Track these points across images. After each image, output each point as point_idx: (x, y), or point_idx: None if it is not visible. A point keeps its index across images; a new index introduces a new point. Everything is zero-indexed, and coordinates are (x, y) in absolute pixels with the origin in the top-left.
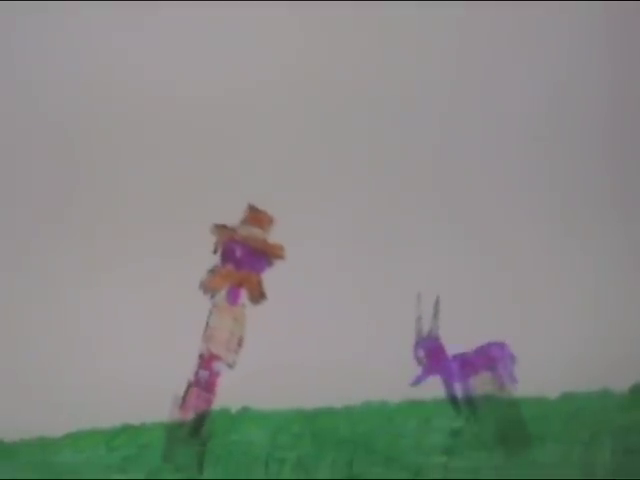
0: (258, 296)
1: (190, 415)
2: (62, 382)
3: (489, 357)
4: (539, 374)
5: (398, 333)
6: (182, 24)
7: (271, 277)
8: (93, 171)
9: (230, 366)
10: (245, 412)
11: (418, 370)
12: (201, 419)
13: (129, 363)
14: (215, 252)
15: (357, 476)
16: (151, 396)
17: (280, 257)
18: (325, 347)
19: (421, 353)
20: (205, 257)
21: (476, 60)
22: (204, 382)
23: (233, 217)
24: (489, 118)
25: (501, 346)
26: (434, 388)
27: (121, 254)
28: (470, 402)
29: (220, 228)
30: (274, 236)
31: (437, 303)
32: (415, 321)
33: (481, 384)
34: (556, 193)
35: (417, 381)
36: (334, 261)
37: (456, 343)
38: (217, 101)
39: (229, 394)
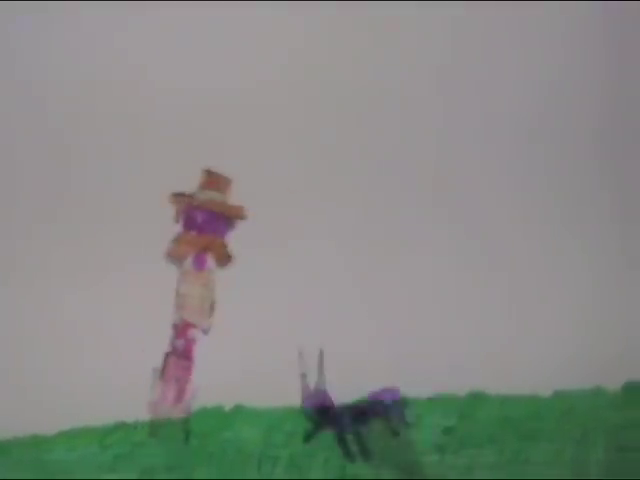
0: (224, 259)
1: (172, 384)
2: (55, 380)
3: (381, 404)
4: (532, 372)
5: (392, 331)
6: (182, 24)
7: (268, 277)
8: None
9: (205, 332)
10: (238, 410)
11: (308, 427)
12: None
13: (123, 361)
14: (177, 221)
15: (350, 474)
16: (144, 394)
17: (241, 217)
18: (319, 346)
19: (309, 409)
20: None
21: (474, 60)
22: (181, 350)
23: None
24: (487, 118)
25: (392, 392)
26: (426, 386)
27: (115, 254)
28: (364, 451)
29: (178, 196)
30: (283, 240)
31: (321, 356)
32: (300, 378)
33: (375, 431)
34: (552, 193)
35: (308, 438)
36: (332, 260)
37: (457, 336)
38: (217, 101)
39: (222, 392)
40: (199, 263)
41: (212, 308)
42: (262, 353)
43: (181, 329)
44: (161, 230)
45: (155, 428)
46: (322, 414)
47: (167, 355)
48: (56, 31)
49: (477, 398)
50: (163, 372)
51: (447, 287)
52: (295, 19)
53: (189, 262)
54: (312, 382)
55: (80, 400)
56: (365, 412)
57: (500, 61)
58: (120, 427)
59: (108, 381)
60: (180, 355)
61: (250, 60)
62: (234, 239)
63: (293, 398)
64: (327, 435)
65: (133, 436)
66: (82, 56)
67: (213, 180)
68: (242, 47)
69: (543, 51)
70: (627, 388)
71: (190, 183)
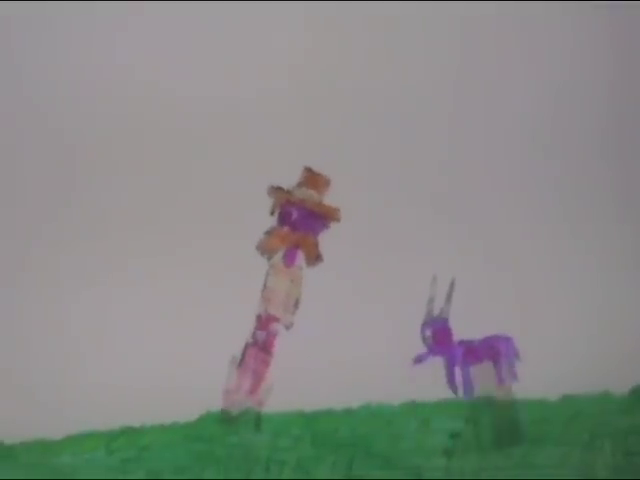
0: (314, 258)
1: (248, 375)
2: (62, 384)
3: (494, 349)
4: (540, 376)
5: (398, 335)
6: (184, 27)
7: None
8: (92, 171)
9: (287, 327)
10: (245, 414)
11: (422, 348)
12: None
13: (129, 365)
14: (272, 214)
15: (357, 478)
16: (151, 398)
17: (336, 219)
18: (325, 349)
19: (428, 333)
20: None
21: (479, 63)
22: (261, 343)
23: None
24: (491, 119)
25: (507, 340)
26: (434, 390)
27: (127, 252)
28: (468, 388)
29: (277, 190)
30: None
31: (452, 286)
32: (427, 301)
33: (481, 374)
34: (557, 193)
35: (419, 359)
36: (334, 265)
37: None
38: (218, 102)
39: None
40: (290, 259)
41: (296, 305)
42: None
43: (264, 321)
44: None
45: (226, 416)
46: (438, 340)
47: (247, 345)
48: (58, 33)
49: (484, 402)
50: (241, 362)
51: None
52: (299, 21)
53: (279, 257)
54: (437, 309)
55: (87, 404)
56: (477, 352)
57: (504, 63)
58: (127, 431)
59: (115, 385)
60: (260, 347)
61: (251, 63)
62: (325, 239)
63: (300, 402)
64: (333, 438)
65: (140, 440)
66: (82, 59)
67: (312, 179)
68: (244, 50)
69: (548, 53)
70: (635, 392)
71: (289, 179)
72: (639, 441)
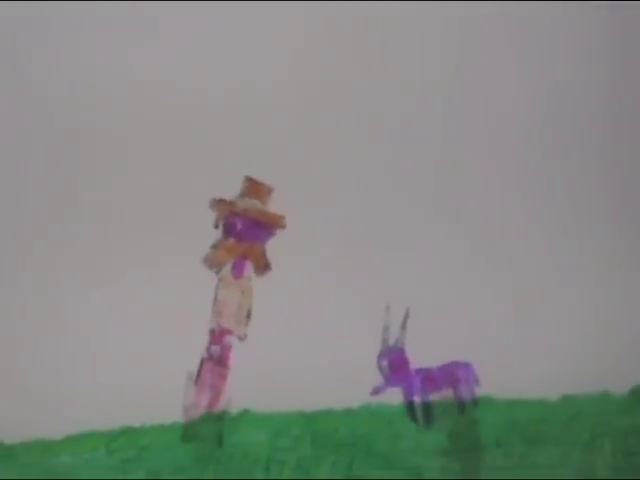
0: (263, 267)
1: (206, 390)
2: (62, 384)
3: (453, 376)
4: (539, 376)
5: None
6: (184, 26)
7: (270, 280)
8: (93, 171)
9: (241, 339)
10: (245, 414)
11: (379, 380)
12: None
13: (129, 365)
14: (216, 227)
15: (357, 478)
16: (150, 398)
17: (281, 226)
18: (325, 349)
19: (384, 363)
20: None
21: (477, 63)
22: (217, 357)
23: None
24: (487, 119)
25: (466, 366)
26: None
27: (122, 255)
28: (428, 416)
29: (219, 203)
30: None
31: (406, 314)
32: (382, 330)
33: (441, 401)
34: (555, 193)
35: (376, 391)
36: (332, 264)
37: (455, 341)
38: (218, 101)
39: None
40: (238, 270)
41: (249, 316)
42: (267, 357)
43: (218, 335)
44: (200, 235)
45: (188, 433)
46: (395, 370)
47: (203, 361)
48: (59, 33)
49: (484, 402)
50: (198, 377)
51: (451, 290)
52: (297, 20)
53: (228, 269)
54: (392, 338)
55: (87, 404)
56: (435, 380)
57: (503, 63)
58: (126, 431)
59: (115, 385)
60: (216, 361)
61: (250, 60)
62: (272, 247)
63: (300, 402)
64: (333, 438)
65: (140, 440)
66: (83, 57)
67: (254, 188)
68: (243, 48)
69: (547, 53)
70: (635, 392)
71: (231, 190)
72: (639, 441)
